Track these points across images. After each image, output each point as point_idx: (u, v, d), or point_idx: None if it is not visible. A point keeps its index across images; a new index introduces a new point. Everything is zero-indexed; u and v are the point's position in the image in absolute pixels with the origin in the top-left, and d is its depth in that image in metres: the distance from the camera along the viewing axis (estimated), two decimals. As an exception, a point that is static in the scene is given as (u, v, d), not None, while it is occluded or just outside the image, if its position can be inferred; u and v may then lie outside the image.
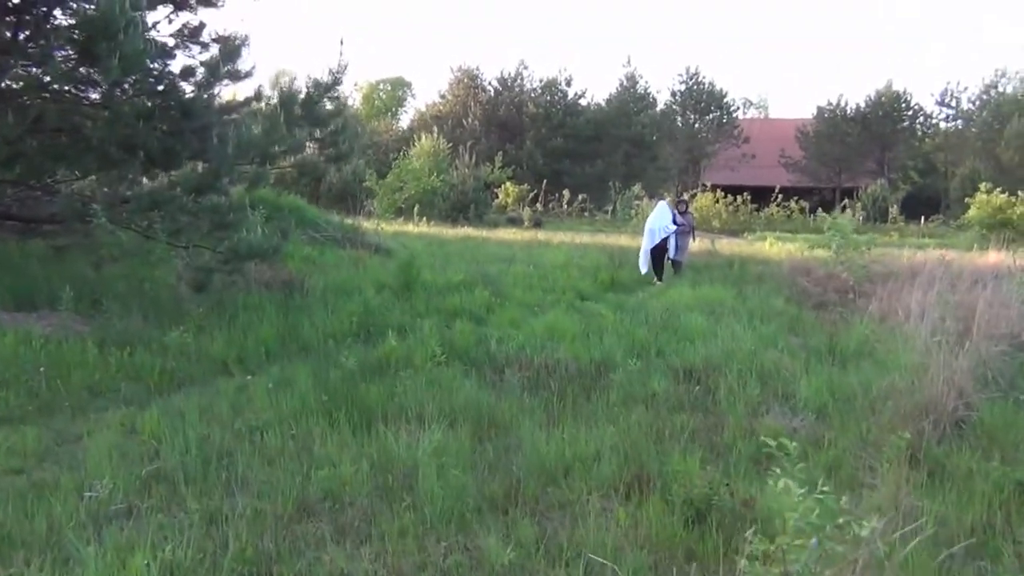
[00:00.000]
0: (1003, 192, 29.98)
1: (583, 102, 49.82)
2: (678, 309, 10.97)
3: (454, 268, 14.14)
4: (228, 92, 10.93)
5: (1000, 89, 44.94)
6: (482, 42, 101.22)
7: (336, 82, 9.93)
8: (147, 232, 8.87)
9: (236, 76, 9.48)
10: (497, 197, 39.72)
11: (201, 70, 9.43)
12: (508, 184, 40.55)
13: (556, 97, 48.92)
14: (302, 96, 9.44)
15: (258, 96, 10.95)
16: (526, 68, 49.61)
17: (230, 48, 9.34)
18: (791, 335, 9.47)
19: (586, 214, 40.05)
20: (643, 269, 15.41)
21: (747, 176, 47.58)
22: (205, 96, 9.16)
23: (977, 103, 46.66)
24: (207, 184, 8.89)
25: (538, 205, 39.16)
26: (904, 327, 9.37)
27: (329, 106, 10.17)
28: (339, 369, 6.92)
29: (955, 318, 8.81)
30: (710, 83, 49.12)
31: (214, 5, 10.46)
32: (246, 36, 9.50)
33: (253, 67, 9.72)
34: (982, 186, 30.53)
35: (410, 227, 26.57)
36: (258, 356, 7.73)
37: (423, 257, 15.54)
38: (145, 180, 9.60)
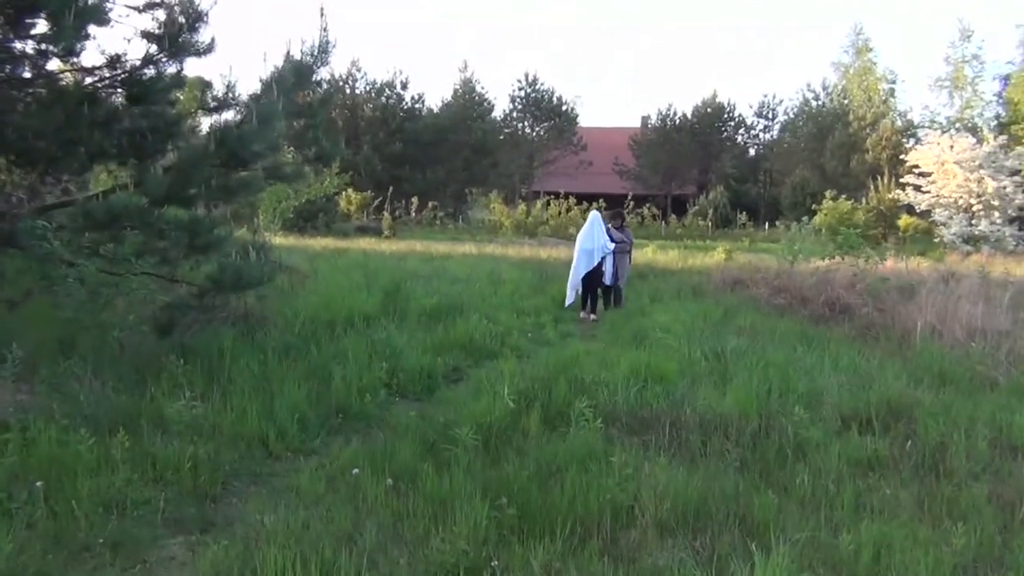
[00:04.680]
0: (848, 199, 31.51)
1: (418, 107, 48.07)
2: (683, 329, 9.74)
3: (381, 288, 12.03)
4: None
5: (820, 102, 47.75)
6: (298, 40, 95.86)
7: (322, 62, 7.83)
8: (96, 256, 6.43)
9: (197, 50, 7.16)
10: (338, 205, 37.09)
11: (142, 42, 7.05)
12: (351, 191, 38.08)
13: (391, 101, 46.80)
14: (290, 80, 7.26)
15: (178, 80, 8.46)
16: (359, 70, 47.03)
17: (192, 13, 7.03)
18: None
19: (438, 222, 38.33)
20: (570, 298, 12.55)
21: (584, 183, 47.61)
22: (166, 74, 6.84)
23: (796, 114, 49.44)
24: (177, 192, 6.58)
25: (384, 213, 36.93)
26: (975, 347, 8.64)
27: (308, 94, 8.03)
28: (453, 444, 5.02)
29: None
30: (549, 90, 48.83)
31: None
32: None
33: (213, 40, 7.40)
34: (827, 193, 31.93)
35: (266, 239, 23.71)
36: (292, 428, 5.64)
37: (329, 275, 13.48)
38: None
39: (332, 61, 8.22)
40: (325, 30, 7.90)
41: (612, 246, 12.44)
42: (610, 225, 13.21)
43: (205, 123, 7.43)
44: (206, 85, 8.06)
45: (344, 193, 37.53)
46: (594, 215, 12.97)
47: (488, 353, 8.43)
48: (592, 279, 12.30)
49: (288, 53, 7.43)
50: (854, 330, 10.31)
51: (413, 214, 38.74)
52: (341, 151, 8.33)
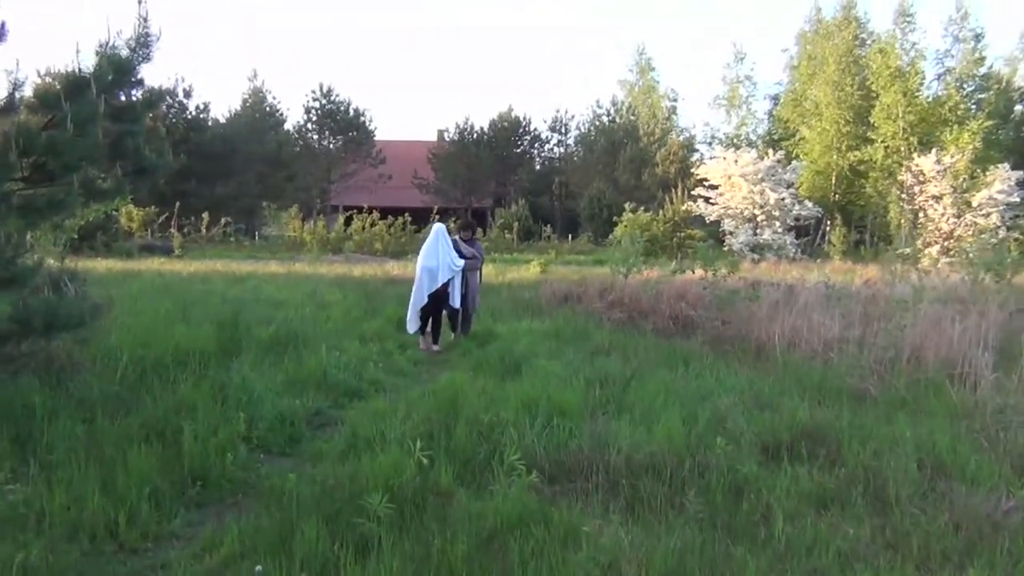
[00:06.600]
0: (646, 211, 32.74)
1: (203, 116, 45.08)
2: (547, 352, 9.28)
3: (202, 317, 10.57)
4: None
5: (610, 117, 49.61)
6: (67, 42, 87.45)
7: (143, 57, 6.62)
8: None
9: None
10: (118, 222, 33.81)
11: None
12: (131, 207, 34.87)
13: (174, 110, 43.56)
14: (108, 77, 6.01)
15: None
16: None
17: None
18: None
19: (232, 239, 35.93)
20: (412, 327, 10.73)
21: (384, 197, 46.65)
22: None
23: (587, 129, 51.15)
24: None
25: (172, 230, 34.12)
26: (828, 357, 8.77)
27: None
28: (362, 516, 4.13)
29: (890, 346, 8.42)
30: (345, 101, 47.43)
31: None
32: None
33: (4, 25, 6.00)
34: (627, 205, 32.99)
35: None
36: (145, 507, 4.50)
37: (131, 304, 11.94)
38: None
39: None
40: (145, 19, 6.69)
41: (461, 263, 10.76)
42: (458, 237, 11.39)
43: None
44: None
45: (125, 209, 34.34)
46: (438, 228, 10.99)
47: (348, 391, 7.49)
48: (436, 303, 10.67)
49: (105, 45, 6.16)
50: (706, 345, 10.24)
51: (204, 231, 36.07)
52: (168, 163, 7.11)
